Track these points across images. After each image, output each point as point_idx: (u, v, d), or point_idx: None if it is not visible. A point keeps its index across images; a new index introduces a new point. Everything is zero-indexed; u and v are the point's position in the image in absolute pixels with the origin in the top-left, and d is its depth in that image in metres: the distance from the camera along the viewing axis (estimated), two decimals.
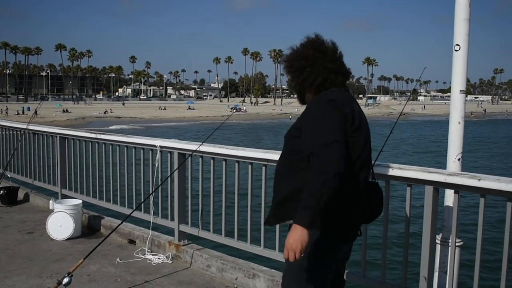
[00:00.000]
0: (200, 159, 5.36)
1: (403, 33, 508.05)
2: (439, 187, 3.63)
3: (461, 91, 4.01)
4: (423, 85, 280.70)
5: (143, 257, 5.58)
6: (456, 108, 4.00)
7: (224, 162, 5.13)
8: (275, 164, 4.54)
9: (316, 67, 2.85)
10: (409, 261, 3.89)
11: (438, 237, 3.84)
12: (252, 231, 4.96)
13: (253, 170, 4.87)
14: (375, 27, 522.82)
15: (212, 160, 5.24)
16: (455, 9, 3.96)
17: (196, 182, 5.53)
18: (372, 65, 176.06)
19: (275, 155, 4.55)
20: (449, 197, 3.80)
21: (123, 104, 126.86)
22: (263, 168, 4.74)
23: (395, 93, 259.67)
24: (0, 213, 7.56)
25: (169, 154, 5.68)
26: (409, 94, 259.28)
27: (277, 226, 4.66)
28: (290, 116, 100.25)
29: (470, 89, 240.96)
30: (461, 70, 3.98)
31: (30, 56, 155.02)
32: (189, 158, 5.44)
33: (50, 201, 7.56)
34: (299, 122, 2.81)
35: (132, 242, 6.09)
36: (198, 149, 5.20)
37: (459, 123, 3.99)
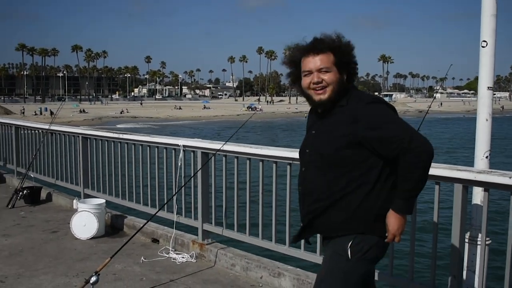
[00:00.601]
0: (224, 158, 5.37)
1: (417, 30, 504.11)
2: (468, 185, 3.60)
3: (488, 87, 3.97)
4: (439, 82, 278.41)
5: (167, 256, 5.60)
6: (484, 105, 3.96)
7: (248, 161, 5.13)
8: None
9: None
10: (437, 260, 3.86)
11: (467, 236, 3.80)
12: (276, 230, 4.96)
13: (277, 169, 4.87)
14: (389, 24, 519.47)
15: (235, 159, 5.25)
16: (481, 5, 3.91)
17: (219, 181, 5.54)
18: (388, 63, 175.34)
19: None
20: (478, 195, 3.77)
21: (141, 103, 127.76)
22: (288, 167, 4.73)
23: (411, 91, 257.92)
24: (24, 212, 7.64)
25: (192, 153, 5.70)
26: (425, 91, 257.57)
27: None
28: (306, 115, 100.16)
29: None
30: (488, 66, 3.94)
31: (47, 58, 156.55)
32: (213, 157, 5.44)
33: (74, 201, 7.62)
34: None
35: (155, 241, 6.12)
36: (221, 148, 5.20)
37: (486, 120, 3.95)
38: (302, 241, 4.64)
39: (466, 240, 3.79)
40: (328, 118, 2.79)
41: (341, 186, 2.69)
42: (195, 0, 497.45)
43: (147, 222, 5.40)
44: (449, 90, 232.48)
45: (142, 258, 5.54)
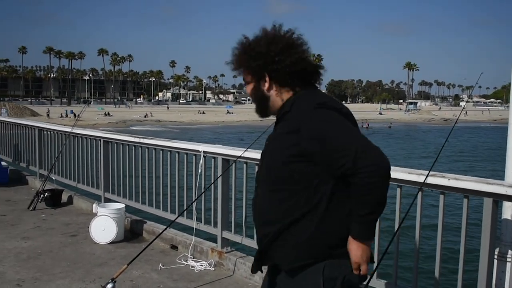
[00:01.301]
0: (245, 165, 5.28)
1: (443, 37, 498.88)
2: (498, 199, 3.44)
3: None
4: (466, 90, 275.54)
5: (186, 263, 5.52)
6: None
7: None
8: None
9: None
10: (464, 277, 3.71)
11: (496, 252, 3.65)
12: None
13: None
14: (413, 31, 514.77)
15: (257, 167, 5.14)
16: None
17: (240, 188, 5.45)
18: (413, 70, 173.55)
19: None
20: (509, 210, 3.61)
21: (168, 107, 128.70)
22: None
23: (436, 99, 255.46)
24: (45, 215, 7.64)
25: (212, 159, 5.61)
26: (450, 99, 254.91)
27: None
28: None
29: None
30: None
31: (73, 61, 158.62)
32: (233, 164, 5.35)
33: (94, 205, 7.60)
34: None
35: (174, 247, 6.05)
36: (242, 155, 5.11)
37: None
38: None
39: (495, 257, 3.63)
40: (277, 126, 2.44)
41: (291, 206, 2.28)
42: (221, 5, 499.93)
43: (166, 228, 5.31)
44: (475, 99, 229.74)
45: (160, 265, 5.46)
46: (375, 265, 4.02)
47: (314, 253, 2.27)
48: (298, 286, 2.31)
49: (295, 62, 2.37)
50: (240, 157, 5.14)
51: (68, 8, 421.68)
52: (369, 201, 2.15)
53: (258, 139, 5.61)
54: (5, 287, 4.79)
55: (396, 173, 3.91)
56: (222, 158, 5.44)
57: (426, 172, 3.75)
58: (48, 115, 76.43)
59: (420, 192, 3.79)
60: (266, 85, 2.44)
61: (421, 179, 3.72)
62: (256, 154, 5.06)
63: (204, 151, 5.63)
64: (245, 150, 5.07)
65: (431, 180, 3.69)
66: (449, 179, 3.57)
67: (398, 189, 4.03)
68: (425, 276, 4.79)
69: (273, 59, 2.37)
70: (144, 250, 4.95)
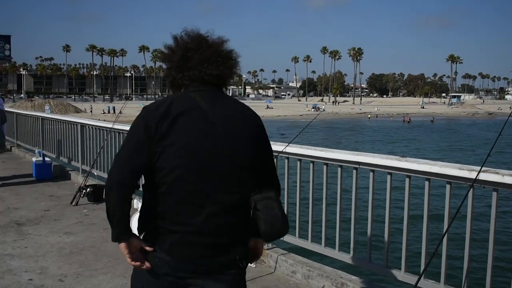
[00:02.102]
0: (286, 160, 5.16)
1: (487, 29, 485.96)
2: None
3: None
4: (511, 83, 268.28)
5: None
6: None
7: (311, 164, 4.90)
8: (367, 167, 4.31)
9: None
10: None
11: None
12: (340, 238, 4.71)
13: (342, 173, 4.62)
14: (456, 23, 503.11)
15: (298, 162, 5.03)
16: None
17: (281, 184, 5.33)
18: (456, 63, 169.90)
19: (367, 158, 4.30)
20: None
21: None
22: (354, 171, 4.48)
23: (480, 92, 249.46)
24: (87, 210, 7.70)
25: None
26: (495, 93, 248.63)
27: (370, 233, 4.41)
28: (369, 115, 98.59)
29: None
30: None
31: (115, 58, 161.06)
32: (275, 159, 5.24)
33: (135, 200, 7.61)
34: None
35: None
36: (284, 150, 5.00)
37: None
38: (368, 251, 4.40)
39: None
40: None
41: None
42: (257, 1, 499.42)
43: None
44: None
45: None
46: (423, 266, 3.88)
47: None
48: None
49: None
50: (281, 152, 5.03)
51: (109, 7, 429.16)
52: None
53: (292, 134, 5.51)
54: (48, 282, 4.82)
55: (446, 168, 3.75)
56: None
57: (478, 168, 3.57)
58: (91, 111, 77.95)
59: (469, 190, 3.62)
60: None
61: (472, 175, 3.55)
62: (298, 149, 4.96)
63: None
64: (287, 145, 4.97)
65: (483, 176, 3.51)
66: (503, 176, 3.39)
67: (448, 186, 3.85)
68: (474, 277, 4.58)
69: None
70: None
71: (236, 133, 2.35)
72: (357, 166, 4.40)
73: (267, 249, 5.34)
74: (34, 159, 10.37)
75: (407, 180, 4.11)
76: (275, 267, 5.16)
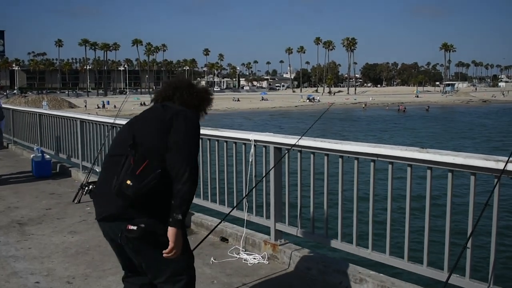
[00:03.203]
0: (299, 153, 5.00)
1: (479, 17, 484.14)
2: None
3: None
4: (504, 70, 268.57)
5: (238, 256, 5.30)
6: None
7: (326, 157, 4.74)
8: (386, 159, 4.16)
9: None
10: None
11: None
12: (357, 232, 4.56)
13: (358, 166, 4.47)
14: (448, 12, 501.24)
15: (312, 155, 4.87)
16: None
17: (293, 178, 5.18)
18: (450, 51, 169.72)
19: (385, 150, 4.15)
20: None
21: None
22: (371, 164, 4.32)
23: (474, 80, 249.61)
24: (90, 208, 7.52)
25: (263, 148, 5.36)
26: (488, 80, 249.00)
27: (389, 226, 4.26)
28: (364, 105, 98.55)
29: None
30: None
31: (109, 52, 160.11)
32: (287, 153, 5.08)
33: None
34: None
35: (224, 240, 5.83)
36: (297, 143, 4.83)
37: None
38: (387, 246, 4.26)
39: None
40: None
41: None
42: None
43: (220, 222, 5.09)
44: None
45: (212, 258, 5.25)
46: (446, 260, 3.74)
47: None
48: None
49: None
50: (294, 145, 4.87)
51: (101, 1, 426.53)
52: None
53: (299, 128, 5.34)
54: (56, 285, 4.65)
55: (470, 159, 3.60)
56: (274, 147, 5.18)
57: (504, 158, 3.43)
58: (85, 106, 77.51)
59: (497, 181, 3.47)
60: None
61: (500, 166, 3.41)
62: (311, 142, 4.80)
63: (254, 140, 5.38)
64: (300, 138, 4.80)
65: (511, 167, 3.37)
66: None
67: (472, 177, 3.70)
68: (501, 271, 4.44)
69: None
70: (193, 242, 4.76)
71: None
72: (375, 158, 4.25)
73: (280, 245, 5.20)
74: (32, 156, 10.19)
75: (428, 172, 3.95)
76: (289, 263, 5.01)
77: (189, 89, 3.18)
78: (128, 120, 3.38)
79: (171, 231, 2.81)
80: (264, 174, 5.28)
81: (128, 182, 2.75)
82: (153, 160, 2.81)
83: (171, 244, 2.82)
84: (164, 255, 2.86)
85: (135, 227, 2.84)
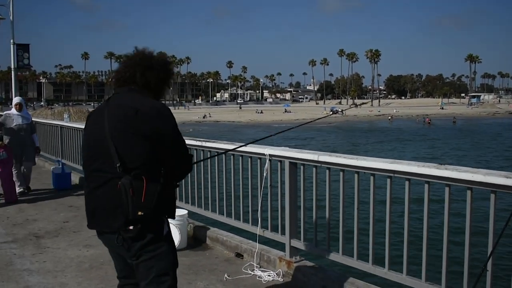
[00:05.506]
0: (314, 169, 4.90)
1: (505, 27, 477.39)
2: None
3: None
4: None
5: (252, 273, 5.20)
6: None
7: (341, 173, 4.62)
8: (403, 175, 4.03)
9: None
10: None
11: None
12: (374, 250, 4.43)
13: (375, 182, 4.35)
14: (473, 22, 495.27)
15: (327, 170, 4.76)
16: None
17: (309, 194, 5.07)
18: (475, 62, 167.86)
19: (402, 166, 4.02)
20: None
21: (240, 107, 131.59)
22: (388, 180, 4.20)
23: (500, 91, 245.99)
24: None
25: (279, 163, 5.27)
26: None
27: (406, 246, 4.12)
28: (390, 117, 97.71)
29: None
30: None
31: None
32: (302, 168, 4.99)
33: None
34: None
35: (239, 255, 5.74)
36: (312, 159, 4.73)
37: None
38: (404, 265, 4.12)
39: None
40: None
41: None
42: (274, 5, 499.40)
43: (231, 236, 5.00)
44: None
45: (225, 275, 5.16)
46: (466, 283, 3.59)
47: None
48: None
49: None
50: (309, 160, 4.77)
51: (126, 15, 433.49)
52: None
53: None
54: None
55: (490, 177, 3.46)
56: (289, 162, 5.09)
57: None
58: None
59: None
60: None
61: None
62: (327, 158, 4.69)
63: (269, 154, 5.30)
64: (315, 154, 4.70)
65: None
66: None
67: (492, 195, 3.55)
68: None
69: None
70: (207, 257, 4.69)
71: None
72: (391, 174, 4.13)
73: (295, 262, 5.08)
74: (53, 168, 10.24)
75: (446, 189, 3.81)
76: (305, 281, 4.89)
77: (150, 68, 3.15)
78: (90, 114, 3.22)
79: None
80: (279, 189, 5.19)
81: (140, 213, 2.72)
82: (148, 173, 2.77)
83: None
84: None
85: (132, 227, 2.83)
